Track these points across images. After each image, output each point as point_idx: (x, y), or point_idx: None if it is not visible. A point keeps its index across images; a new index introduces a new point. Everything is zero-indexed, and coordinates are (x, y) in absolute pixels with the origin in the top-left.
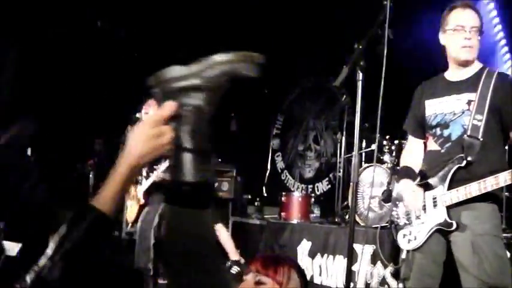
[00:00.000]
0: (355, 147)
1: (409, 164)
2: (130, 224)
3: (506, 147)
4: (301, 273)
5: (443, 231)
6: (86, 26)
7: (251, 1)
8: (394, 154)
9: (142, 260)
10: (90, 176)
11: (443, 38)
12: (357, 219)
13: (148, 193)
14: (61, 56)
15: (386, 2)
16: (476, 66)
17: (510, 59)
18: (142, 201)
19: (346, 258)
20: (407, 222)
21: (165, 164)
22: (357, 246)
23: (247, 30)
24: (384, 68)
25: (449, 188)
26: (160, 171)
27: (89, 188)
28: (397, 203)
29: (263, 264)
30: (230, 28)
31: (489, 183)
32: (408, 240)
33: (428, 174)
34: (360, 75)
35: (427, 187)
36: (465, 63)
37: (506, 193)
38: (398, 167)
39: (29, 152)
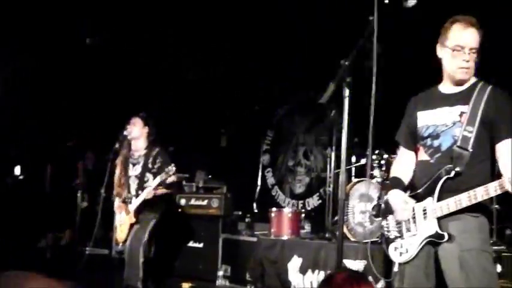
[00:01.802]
0: (342, 164)
1: (399, 174)
2: (121, 243)
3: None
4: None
5: (433, 243)
6: (75, 43)
7: (239, 17)
8: (383, 168)
9: (131, 279)
10: (78, 195)
11: (441, 52)
12: (348, 234)
13: (138, 212)
14: (48, 73)
15: (373, 17)
16: (471, 79)
17: None
18: (133, 219)
19: None
20: (398, 234)
21: (154, 183)
22: (348, 262)
23: (237, 45)
24: (374, 83)
25: (439, 199)
26: (151, 189)
27: (76, 206)
28: (387, 215)
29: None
30: (221, 42)
31: (479, 193)
32: (400, 253)
33: (417, 185)
34: (347, 92)
35: (416, 199)
36: (460, 83)
37: (496, 206)
38: (388, 181)
39: (18, 171)
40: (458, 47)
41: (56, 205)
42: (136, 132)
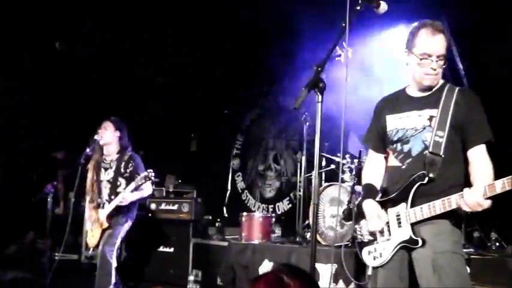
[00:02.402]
0: (315, 169)
1: (371, 180)
2: (91, 248)
3: None
4: (311, 283)
5: (407, 247)
6: (45, 47)
7: (209, 22)
8: (353, 173)
9: (103, 284)
10: (48, 199)
11: (408, 58)
12: (318, 238)
13: (111, 217)
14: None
15: (345, 24)
16: (438, 82)
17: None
18: (105, 224)
19: None
20: (371, 238)
21: (129, 188)
22: (319, 266)
23: (207, 50)
24: (346, 87)
25: (412, 204)
26: (125, 195)
27: (46, 213)
28: (360, 220)
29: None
30: (190, 47)
31: (453, 200)
32: (374, 257)
33: (389, 190)
34: (319, 97)
35: (389, 204)
36: (427, 88)
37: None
38: (358, 186)
39: None
40: (426, 55)
41: (26, 211)
42: (108, 137)
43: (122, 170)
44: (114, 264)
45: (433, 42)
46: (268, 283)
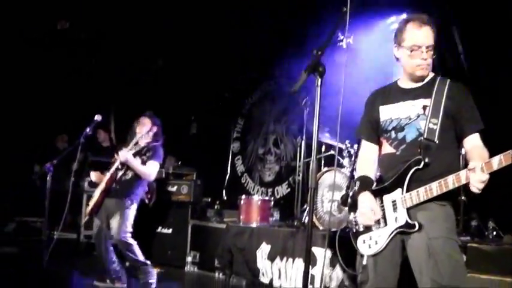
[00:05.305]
0: (313, 153)
1: (366, 171)
2: (88, 214)
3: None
4: None
5: (403, 232)
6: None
7: (209, 7)
8: (353, 158)
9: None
10: (48, 178)
11: (399, 53)
12: (316, 222)
13: (116, 200)
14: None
15: (346, 9)
16: (429, 75)
17: None
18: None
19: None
20: (366, 228)
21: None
22: (317, 250)
23: (207, 33)
24: (344, 74)
25: (408, 189)
26: (128, 154)
27: (45, 192)
28: (355, 209)
29: None
30: (190, 29)
31: (450, 181)
32: (369, 245)
33: (384, 178)
34: (319, 81)
35: (384, 191)
36: (420, 79)
37: (463, 197)
38: (355, 173)
39: None
40: (415, 46)
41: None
42: (145, 132)
43: (143, 152)
44: (134, 243)
45: (421, 33)
46: None
